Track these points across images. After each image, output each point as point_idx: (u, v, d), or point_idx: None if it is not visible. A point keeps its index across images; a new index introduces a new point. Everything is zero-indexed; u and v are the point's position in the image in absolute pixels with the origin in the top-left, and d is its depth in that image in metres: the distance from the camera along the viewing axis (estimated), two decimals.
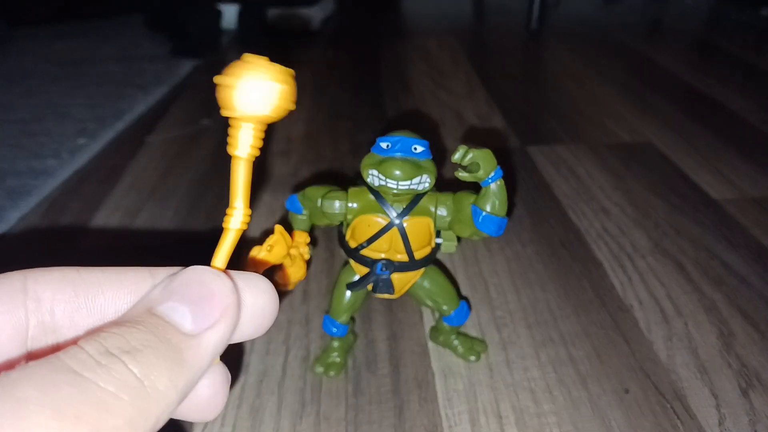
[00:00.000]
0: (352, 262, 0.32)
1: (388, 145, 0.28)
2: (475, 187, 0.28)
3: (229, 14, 1.00)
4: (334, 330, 0.33)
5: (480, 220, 0.27)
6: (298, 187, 0.40)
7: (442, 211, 0.30)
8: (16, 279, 0.15)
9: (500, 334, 0.36)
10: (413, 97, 0.73)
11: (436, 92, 0.75)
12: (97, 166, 0.58)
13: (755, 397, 0.32)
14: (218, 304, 0.15)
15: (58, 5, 1.09)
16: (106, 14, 1.12)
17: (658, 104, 0.71)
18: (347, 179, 0.30)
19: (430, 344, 0.36)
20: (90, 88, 0.76)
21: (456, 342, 0.35)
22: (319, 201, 0.30)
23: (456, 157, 0.27)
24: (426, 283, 0.33)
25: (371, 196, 0.30)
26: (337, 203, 0.30)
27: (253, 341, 0.36)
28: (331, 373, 0.33)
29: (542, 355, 0.35)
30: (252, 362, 0.34)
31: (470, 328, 0.37)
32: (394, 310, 0.38)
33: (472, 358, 0.34)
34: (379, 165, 0.27)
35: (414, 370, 0.34)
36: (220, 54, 0.93)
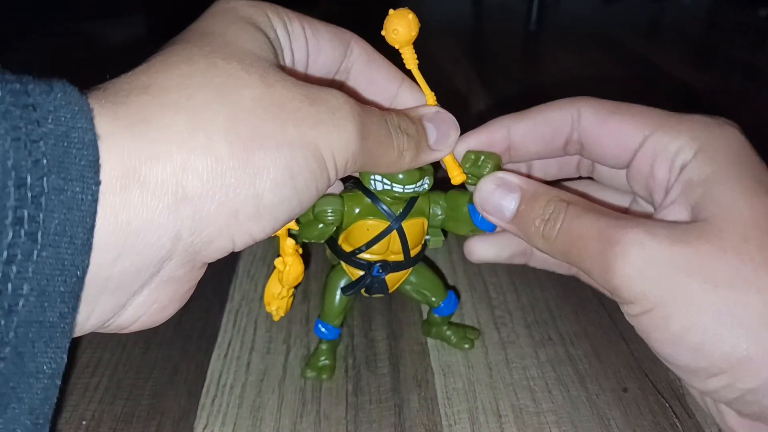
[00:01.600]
0: (344, 265, 0.32)
1: None
2: (463, 186, 0.28)
3: None
4: (328, 334, 0.33)
5: (480, 218, 0.27)
6: None
7: (436, 210, 0.30)
8: None
9: (499, 334, 0.36)
10: None
11: (435, 92, 0.75)
12: None
13: None
14: (448, 141, 0.26)
15: (58, 6, 1.09)
16: (106, 15, 1.12)
17: (657, 104, 0.71)
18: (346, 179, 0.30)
19: (430, 343, 0.36)
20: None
21: (449, 332, 0.35)
22: (311, 212, 0.30)
23: (468, 166, 0.27)
24: (413, 278, 0.33)
25: (367, 200, 0.29)
26: (329, 209, 0.29)
27: (253, 340, 0.36)
28: (324, 376, 0.33)
29: (541, 355, 0.35)
30: (253, 361, 0.34)
31: None
32: (394, 309, 0.39)
33: (467, 345, 0.35)
34: None
35: (414, 368, 0.34)
36: None
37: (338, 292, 0.33)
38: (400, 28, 0.25)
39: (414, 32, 0.25)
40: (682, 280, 0.19)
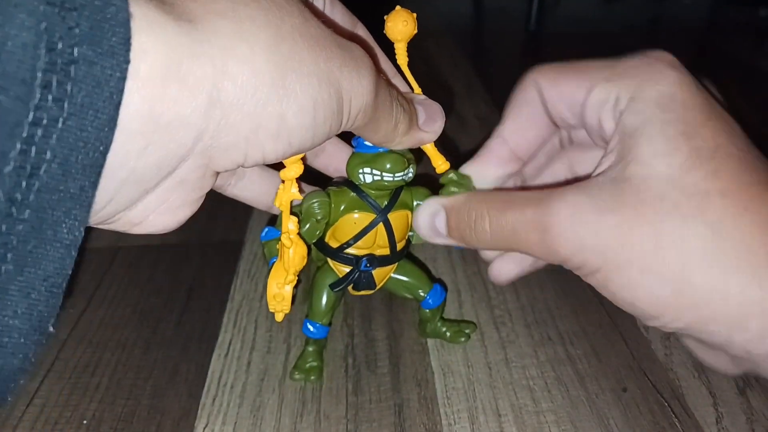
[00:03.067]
0: (331, 262, 0.32)
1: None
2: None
3: None
4: (317, 332, 0.33)
5: None
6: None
7: (420, 203, 0.31)
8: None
9: (499, 333, 0.36)
10: None
11: (435, 93, 0.75)
12: None
13: (753, 396, 0.32)
14: (435, 125, 0.28)
15: None
16: None
17: None
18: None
19: (430, 342, 0.36)
20: None
21: (443, 328, 0.35)
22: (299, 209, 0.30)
23: (450, 176, 0.29)
24: (398, 272, 0.34)
25: (352, 195, 0.30)
26: (316, 202, 0.29)
27: (254, 340, 0.36)
28: (312, 377, 0.33)
29: (541, 354, 0.35)
30: (253, 360, 0.35)
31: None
32: (394, 308, 0.39)
33: (462, 339, 0.35)
34: (373, 162, 0.28)
35: (413, 368, 0.34)
36: None
37: (325, 290, 0.33)
38: (409, 21, 0.27)
39: (414, 30, 0.27)
40: (610, 248, 0.21)
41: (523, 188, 0.29)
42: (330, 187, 0.30)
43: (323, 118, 0.20)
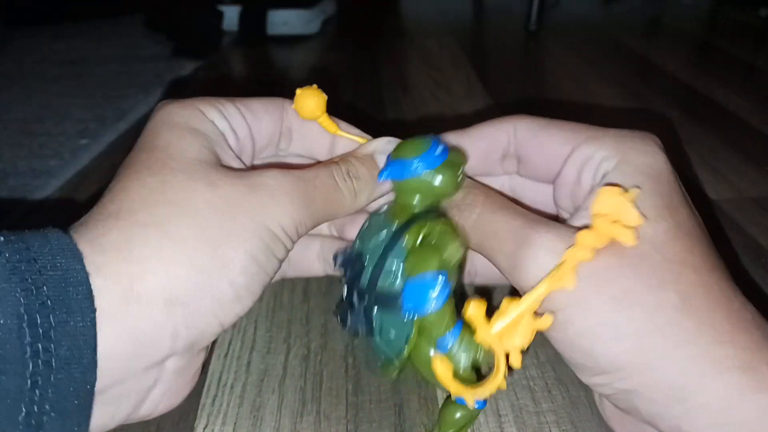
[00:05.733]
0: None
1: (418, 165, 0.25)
2: None
3: (230, 15, 1.00)
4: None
5: None
6: None
7: None
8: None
9: None
10: (413, 97, 0.73)
11: (435, 92, 0.75)
12: (99, 166, 0.59)
13: None
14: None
15: (58, 6, 1.09)
16: (106, 14, 1.12)
17: (657, 104, 0.71)
18: None
19: None
20: (90, 88, 0.77)
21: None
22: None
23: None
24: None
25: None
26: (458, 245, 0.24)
27: (253, 340, 0.36)
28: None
29: (541, 354, 0.35)
30: (253, 361, 0.34)
31: None
32: None
33: None
34: (452, 166, 0.25)
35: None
36: (221, 55, 0.93)
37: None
38: (318, 97, 0.27)
39: (323, 106, 0.28)
40: (582, 291, 0.21)
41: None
42: (440, 224, 0.25)
43: (265, 259, 0.22)
